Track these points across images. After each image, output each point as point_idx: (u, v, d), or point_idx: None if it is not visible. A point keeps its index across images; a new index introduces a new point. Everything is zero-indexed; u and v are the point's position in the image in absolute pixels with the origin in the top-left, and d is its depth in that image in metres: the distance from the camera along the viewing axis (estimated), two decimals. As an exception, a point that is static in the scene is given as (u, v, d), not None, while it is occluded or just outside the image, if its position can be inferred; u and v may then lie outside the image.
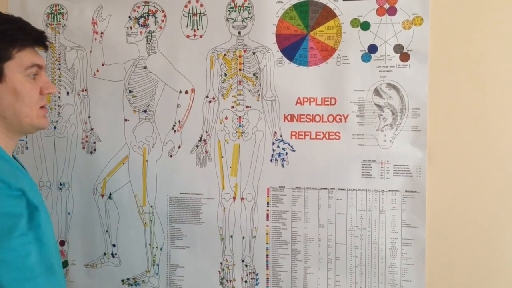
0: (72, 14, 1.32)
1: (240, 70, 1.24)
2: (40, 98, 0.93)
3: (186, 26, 1.26)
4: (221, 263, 1.26)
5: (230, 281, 1.25)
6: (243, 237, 1.24)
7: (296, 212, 1.22)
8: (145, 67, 1.28)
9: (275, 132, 1.22)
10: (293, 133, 1.21)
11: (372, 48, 1.17)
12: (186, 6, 1.26)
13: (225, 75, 1.24)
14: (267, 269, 1.24)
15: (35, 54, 0.92)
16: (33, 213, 0.86)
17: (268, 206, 1.23)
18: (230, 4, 1.23)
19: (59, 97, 1.33)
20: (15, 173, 0.88)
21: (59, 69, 1.32)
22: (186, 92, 1.26)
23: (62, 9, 1.32)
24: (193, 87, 1.26)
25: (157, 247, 1.29)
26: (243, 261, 1.25)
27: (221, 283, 1.26)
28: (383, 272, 1.18)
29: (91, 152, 1.32)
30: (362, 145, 1.18)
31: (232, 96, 1.24)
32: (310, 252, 1.21)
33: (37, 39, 0.92)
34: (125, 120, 1.29)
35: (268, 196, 1.23)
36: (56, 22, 1.33)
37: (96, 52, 1.30)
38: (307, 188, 1.21)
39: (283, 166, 1.22)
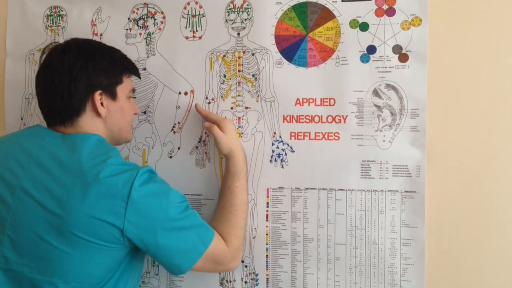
0: (72, 16, 1.32)
1: (239, 71, 1.24)
2: (133, 117, 1.15)
3: (185, 27, 1.26)
4: (221, 264, 1.26)
5: (230, 281, 1.25)
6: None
7: (295, 212, 1.22)
8: (144, 69, 1.28)
9: (275, 133, 1.22)
10: (293, 134, 1.22)
11: (371, 49, 1.17)
12: (185, 8, 1.26)
13: (224, 76, 1.25)
14: (267, 269, 1.24)
15: (131, 81, 1.12)
16: None
17: (267, 206, 1.23)
18: (229, 6, 1.24)
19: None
20: None
21: (58, 70, 1.33)
22: (186, 93, 1.26)
23: (62, 11, 1.33)
24: (193, 88, 1.26)
25: (157, 248, 1.29)
26: (242, 261, 1.25)
27: (221, 284, 1.26)
28: (382, 272, 1.18)
29: (91, 154, 1.32)
30: (361, 146, 1.18)
31: (232, 97, 1.24)
32: (310, 253, 1.21)
33: (136, 69, 1.14)
34: (125, 121, 1.30)
35: (267, 197, 1.23)
36: (56, 24, 1.33)
37: (96, 53, 1.30)
38: (306, 188, 1.21)
39: (282, 166, 1.22)
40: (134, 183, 0.92)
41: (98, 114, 1.02)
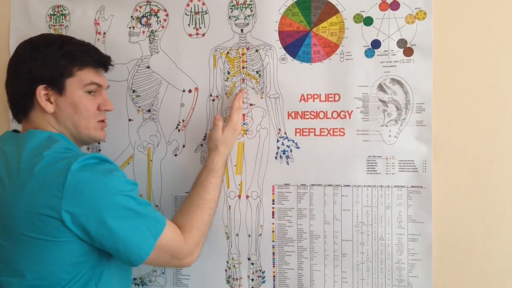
0: (75, 15, 1.32)
1: (243, 68, 1.23)
2: (98, 113, 1.06)
3: (189, 25, 1.26)
4: (227, 262, 1.26)
5: (237, 279, 1.25)
6: (249, 235, 1.24)
7: (301, 209, 1.22)
8: (148, 67, 1.28)
9: (279, 130, 1.22)
10: (298, 130, 1.21)
11: (376, 44, 1.17)
12: (188, 5, 1.26)
13: (228, 73, 1.24)
14: (274, 266, 1.23)
15: (95, 74, 1.05)
16: None
17: (273, 203, 1.23)
18: (232, 2, 1.23)
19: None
20: None
21: (62, 70, 1.33)
22: (190, 91, 1.26)
23: (65, 10, 1.33)
24: (197, 86, 1.26)
25: (163, 247, 1.29)
26: (249, 259, 1.24)
27: (228, 282, 1.26)
28: (390, 268, 1.17)
29: (96, 153, 1.32)
30: (367, 141, 1.18)
31: (236, 94, 1.24)
32: (317, 249, 1.21)
33: (97, 61, 1.05)
34: (129, 120, 1.30)
35: (273, 194, 1.23)
36: (59, 23, 1.33)
37: (99, 52, 1.30)
38: (312, 185, 1.21)
39: (288, 163, 1.22)
40: (71, 169, 0.87)
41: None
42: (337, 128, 1.19)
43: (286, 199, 1.22)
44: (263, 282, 1.24)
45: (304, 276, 1.22)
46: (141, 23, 1.28)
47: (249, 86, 1.23)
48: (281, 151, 1.22)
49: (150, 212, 0.96)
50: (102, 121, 1.08)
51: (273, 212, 1.23)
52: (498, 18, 1.12)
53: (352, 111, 1.18)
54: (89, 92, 1.03)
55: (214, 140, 1.16)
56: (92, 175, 0.89)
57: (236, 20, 1.23)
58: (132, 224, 0.92)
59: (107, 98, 1.08)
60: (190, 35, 1.26)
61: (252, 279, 1.25)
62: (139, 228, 0.92)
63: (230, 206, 1.25)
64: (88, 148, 1.32)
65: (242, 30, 1.23)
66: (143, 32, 1.28)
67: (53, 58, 0.98)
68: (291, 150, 1.21)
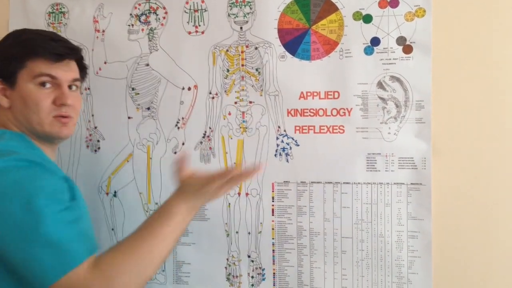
0: (73, 12, 1.32)
1: (242, 65, 1.23)
2: (54, 108, 0.94)
3: (188, 22, 1.25)
4: (227, 259, 1.26)
5: (237, 276, 1.25)
6: (249, 233, 1.24)
7: (301, 206, 1.22)
8: (147, 65, 1.28)
9: (279, 127, 1.22)
10: (297, 128, 1.21)
11: (375, 41, 1.17)
12: (187, 3, 1.25)
13: (228, 70, 1.24)
14: (274, 264, 1.24)
15: (48, 65, 0.93)
16: (72, 201, 0.86)
17: (273, 201, 1.23)
18: (231, 0, 1.23)
19: (62, 96, 1.32)
20: (56, 167, 0.94)
21: (61, 68, 1.32)
22: (189, 88, 1.26)
23: (63, 8, 1.32)
24: (196, 83, 1.26)
25: (163, 244, 1.29)
26: (249, 256, 1.25)
27: (228, 279, 1.26)
28: (389, 265, 1.18)
29: (95, 151, 1.32)
30: (366, 138, 1.18)
31: (235, 91, 1.24)
32: (316, 247, 1.21)
33: (49, 51, 0.93)
34: (129, 117, 1.29)
35: (273, 191, 1.23)
36: (58, 21, 1.33)
37: (98, 50, 1.30)
38: (312, 182, 1.21)
39: (287, 161, 1.22)
40: None
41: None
42: (336, 126, 1.19)
43: (285, 196, 1.22)
44: (263, 279, 1.24)
45: (304, 273, 1.22)
46: (140, 21, 1.28)
47: (248, 83, 1.23)
48: (281, 148, 1.22)
49: (68, 238, 0.79)
50: (62, 116, 0.95)
51: (272, 210, 1.23)
52: (496, 15, 1.12)
53: (351, 109, 1.18)
54: (42, 84, 0.93)
55: (191, 181, 0.90)
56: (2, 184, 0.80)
57: (235, 17, 1.23)
58: (37, 251, 0.77)
59: (67, 92, 0.96)
60: (190, 32, 1.25)
61: (252, 277, 1.25)
62: (43, 257, 0.77)
63: (229, 204, 1.25)
64: (88, 146, 1.32)
65: (241, 28, 1.23)
66: (142, 29, 1.28)
67: (8, 49, 0.93)
68: (290, 148, 1.21)
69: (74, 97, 0.98)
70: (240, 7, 1.23)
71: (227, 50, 1.24)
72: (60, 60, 0.95)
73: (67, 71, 0.97)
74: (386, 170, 1.17)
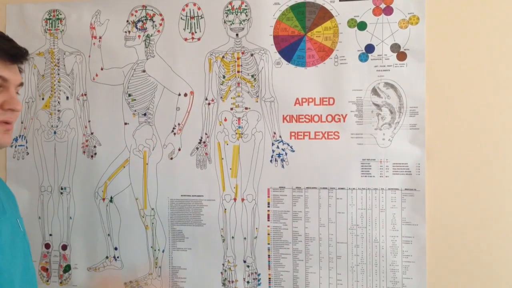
0: (70, 19, 1.32)
1: (238, 72, 1.24)
2: (0, 112, 0.85)
3: (184, 29, 1.26)
4: (223, 264, 1.26)
5: (233, 282, 1.26)
6: (245, 238, 1.25)
7: (296, 212, 1.22)
8: (144, 71, 1.28)
9: (275, 133, 1.23)
10: (292, 134, 1.22)
11: (369, 48, 1.18)
12: (183, 10, 1.26)
13: (224, 77, 1.25)
14: (269, 269, 1.24)
15: (2, 66, 0.85)
16: None
17: (268, 206, 1.24)
18: (227, 7, 1.24)
19: (58, 102, 1.33)
20: None
21: (58, 74, 1.33)
22: (185, 94, 1.27)
23: (60, 14, 1.33)
24: (192, 89, 1.26)
25: (159, 250, 1.29)
26: (245, 261, 1.25)
27: (224, 284, 1.26)
28: (384, 270, 1.18)
29: (92, 156, 1.32)
30: (361, 144, 1.19)
31: (231, 98, 1.25)
32: (312, 252, 1.22)
33: (4, 50, 0.85)
34: (125, 123, 1.30)
35: (268, 197, 1.24)
36: (55, 27, 1.33)
37: (95, 56, 1.31)
38: (307, 188, 1.22)
39: (283, 166, 1.23)
40: None
41: None
42: (331, 132, 1.20)
43: (281, 202, 1.23)
44: (259, 284, 1.25)
45: (299, 279, 1.22)
46: (136, 28, 1.29)
47: (244, 90, 1.24)
48: (276, 154, 1.23)
49: None
50: (6, 122, 0.87)
51: (268, 215, 1.24)
52: (490, 22, 1.14)
53: (346, 115, 1.19)
54: None
55: None
56: None
57: (231, 24, 1.24)
58: None
59: (16, 96, 0.89)
60: (186, 39, 1.26)
61: (248, 282, 1.25)
62: None
63: (225, 209, 1.26)
64: (84, 152, 1.32)
65: (237, 35, 1.24)
66: (139, 36, 1.29)
67: None
68: (286, 154, 1.22)
69: (20, 103, 0.90)
70: (236, 14, 1.24)
71: (223, 57, 1.25)
72: (16, 62, 0.89)
73: (16, 74, 0.89)
74: (380, 176, 1.18)
